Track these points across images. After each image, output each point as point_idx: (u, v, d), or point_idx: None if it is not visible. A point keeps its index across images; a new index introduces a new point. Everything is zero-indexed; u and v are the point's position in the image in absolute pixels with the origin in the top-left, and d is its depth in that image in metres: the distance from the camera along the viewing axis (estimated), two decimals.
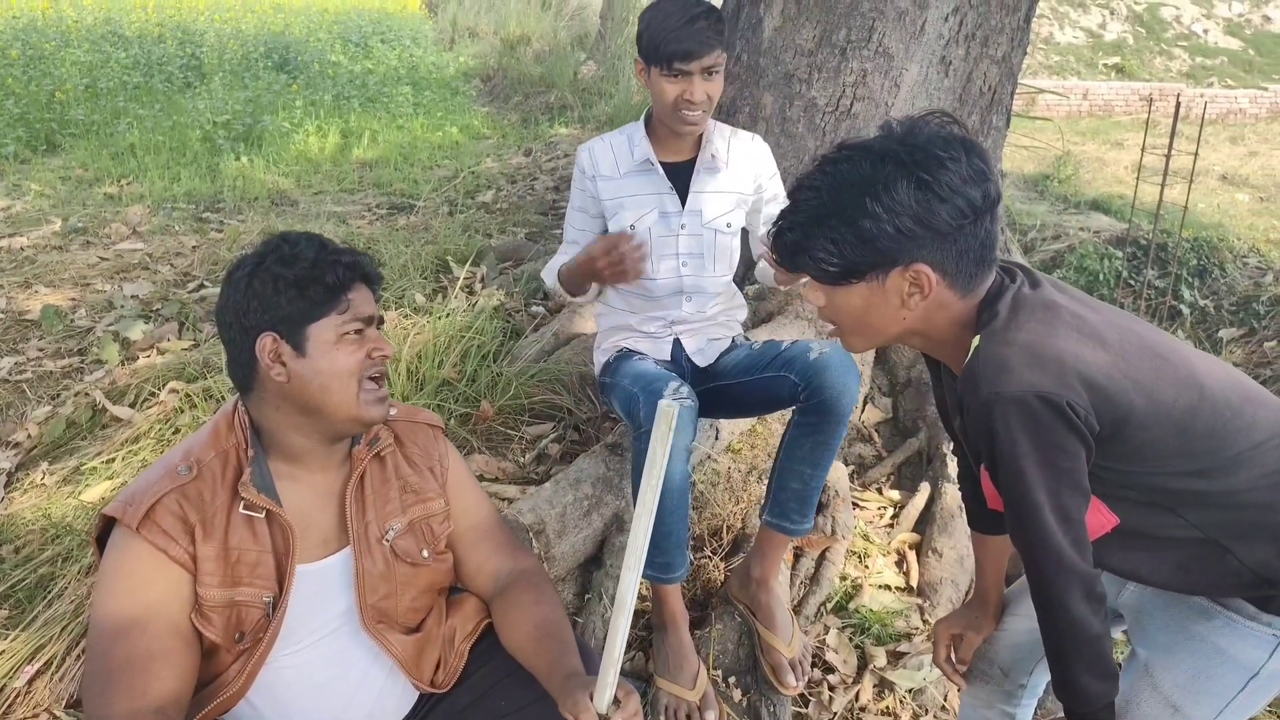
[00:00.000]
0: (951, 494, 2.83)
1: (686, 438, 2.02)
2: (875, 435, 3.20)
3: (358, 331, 1.45)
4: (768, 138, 3.06)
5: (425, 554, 1.58)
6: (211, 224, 5.41)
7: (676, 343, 2.37)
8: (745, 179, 2.33)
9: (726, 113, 3.16)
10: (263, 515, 1.43)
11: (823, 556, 2.63)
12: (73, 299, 3.89)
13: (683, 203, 2.27)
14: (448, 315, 3.17)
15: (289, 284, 1.39)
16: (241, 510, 1.41)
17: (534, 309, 3.51)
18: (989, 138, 3.20)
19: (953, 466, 2.87)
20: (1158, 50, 15.41)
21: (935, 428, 3.06)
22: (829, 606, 2.60)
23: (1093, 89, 13.27)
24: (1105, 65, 14.69)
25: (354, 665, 1.52)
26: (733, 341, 2.43)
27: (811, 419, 2.14)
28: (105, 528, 1.41)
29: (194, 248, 4.62)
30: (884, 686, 2.39)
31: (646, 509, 1.38)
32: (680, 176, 2.27)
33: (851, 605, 2.58)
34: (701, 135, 2.25)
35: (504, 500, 2.51)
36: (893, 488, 3.04)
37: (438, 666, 1.61)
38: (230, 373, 1.47)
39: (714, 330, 2.41)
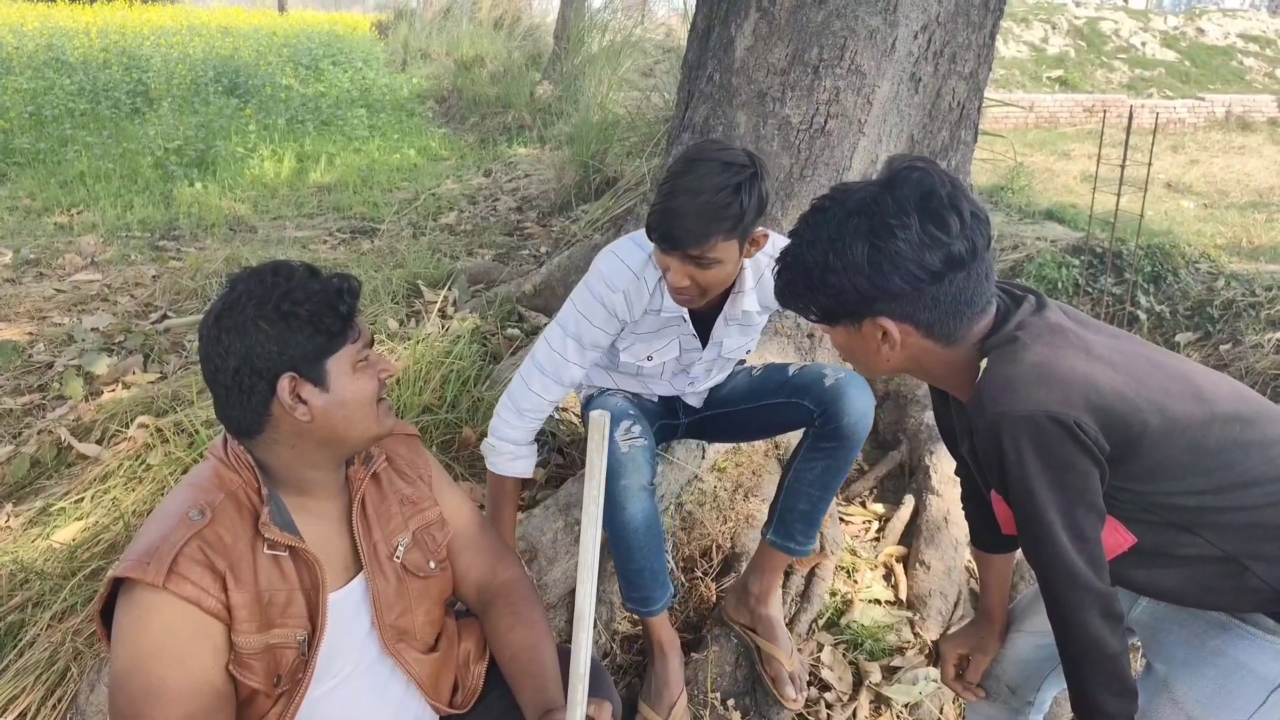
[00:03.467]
0: (936, 505, 2.84)
1: (644, 477, 1.98)
2: None
3: (365, 357, 1.42)
4: None
5: (432, 564, 1.57)
6: (169, 252, 5.30)
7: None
8: (766, 312, 2.14)
9: (699, 132, 3.17)
10: (286, 553, 1.38)
11: (812, 573, 2.62)
12: (30, 333, 3.78)
13: (703, 342, 2.12)
14: (424, 340, 3.12)
15: (303, 321, 1.34)
16: (266, 551, 1.37)
17: (510, 331, 3.48)
18: (958, 153, 3.24)
19: (935, 478, 2.89)
20: (1099, 63, 15.80)
21: (916, 440, 3.08)
22: (820, 623, 2.59)
23: (1038, 101, 13.56)
24: (1049, 78, 15.03)
25: (386, 692, 1.50)
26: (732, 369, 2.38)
27: (827, 444, 2.11)
28: (111, 596, 1.32)
29: (154, 277, 4.52)
30: (880, 702, 2.38)
31: (591, 520, 1.39)
32: (703, 319, 2.08)
33: (843, 621, 2.58)
34: (736, 282, 1.99)
35: None
36: (876, 501, 3.05)
37: (455, 689, 1.60)
38: (229, 419, 1.40)
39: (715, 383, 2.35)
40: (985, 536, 1.73)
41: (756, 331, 2.20)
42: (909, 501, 2.93)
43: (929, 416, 3.04)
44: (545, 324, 3.34)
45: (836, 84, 2.91)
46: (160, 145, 8.00)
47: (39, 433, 2.98)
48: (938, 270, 1.26)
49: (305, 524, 1.42)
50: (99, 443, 2.91)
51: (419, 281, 4.01)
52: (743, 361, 2.43)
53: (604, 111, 7.32)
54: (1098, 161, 5.63)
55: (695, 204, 1.70)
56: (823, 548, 2.66)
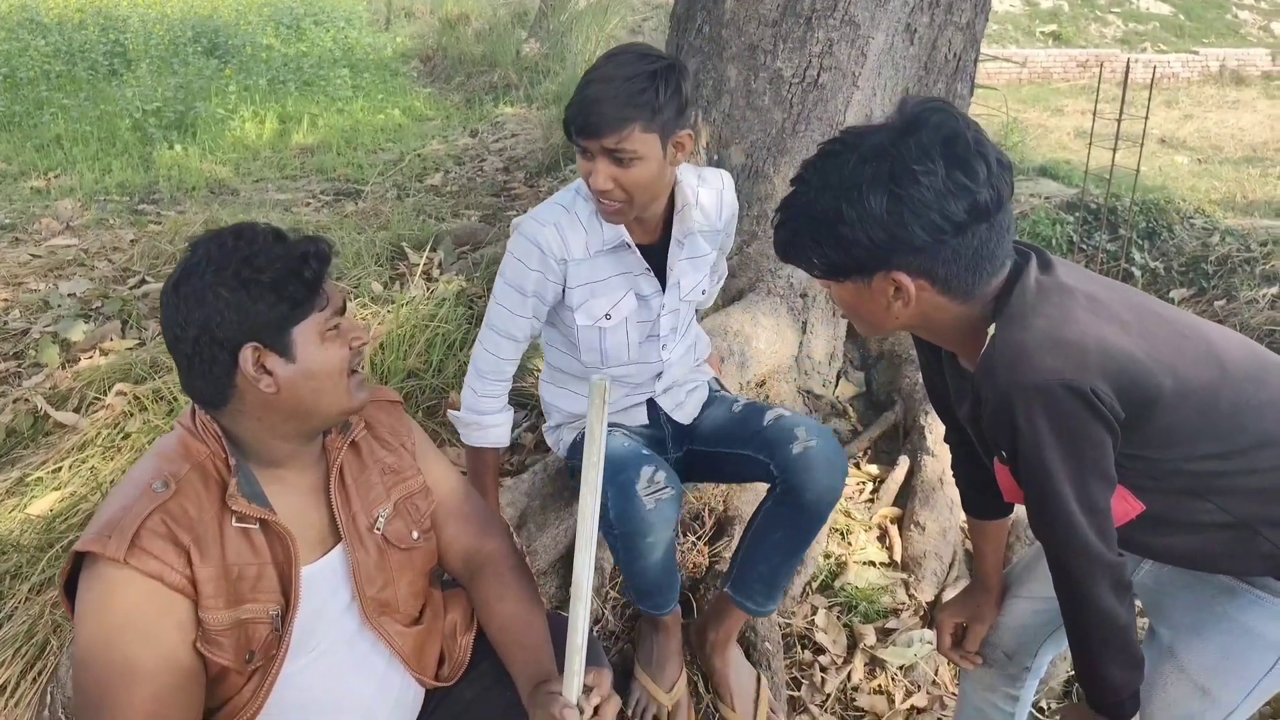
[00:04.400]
0: (931, 466, 2.80)
1: (670, 530, 1.83)
2: (850, 409, 3.16)
3: (335, 325, 1.35)
4: (733, 111, 3.00)
5: (415, 535, 1.53)
6: (149, 216, 5.19)
7: (651, 403, 2.10)
8: (714, 234, 2.04)
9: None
10: (257, 525, 1.33)
11: None
12: (4, 299, 3.69)
13: (662, 283, 1.96)
14: (408, 304, 3.05)
15: (265, 288, 1.27)
16: (234, 524, 1.31)
17: None
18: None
19: (930, 439, 2.85)
20: (1092, 17, 15.62)
21: (910, 400, 3.04)
22: (814, 586, 2.56)
23: (1031, 56, 13.41)
24: (1042, 33, 14.86)
25: (367, 666, 1.46)
26: (710, 390, 2.21)
27: (787, 512, 1.94)
28: (74, 569, 1.27)
29: (132, 241, 4.42)
30: (875, 664, 2.36)
31: (591, 488, 1.35)
32: (654, 253, 1.95)
33: (837, 583, 2.55)
34: (671, 203, 1.89)
35: None
36: (870, 462, 3.01)
37: (441, 661, 1.56)
38: (193, 390, 1.34)
39: (688, 380, 2.17)
40: (978, 502, 1.68)
41: (708, 267, 2.06)
42: (903, 462, 2.89)
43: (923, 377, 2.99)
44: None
45: (830, 35, 2.83)
46: (139, 107, 7.83)
47: (15, 401, 2.91)
48: (962, 221, 1.17)
49: (278, 495, 1.37)
50: (77, 411, 2.85)
51: (403, 244, 3.93)
52: (721, 387, 2.27)
53: None
54: (1094, 117, 5.55)
55: (610, 89, 1.64)
56: None
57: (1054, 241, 5.53)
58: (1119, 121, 4.87)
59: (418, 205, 5.12)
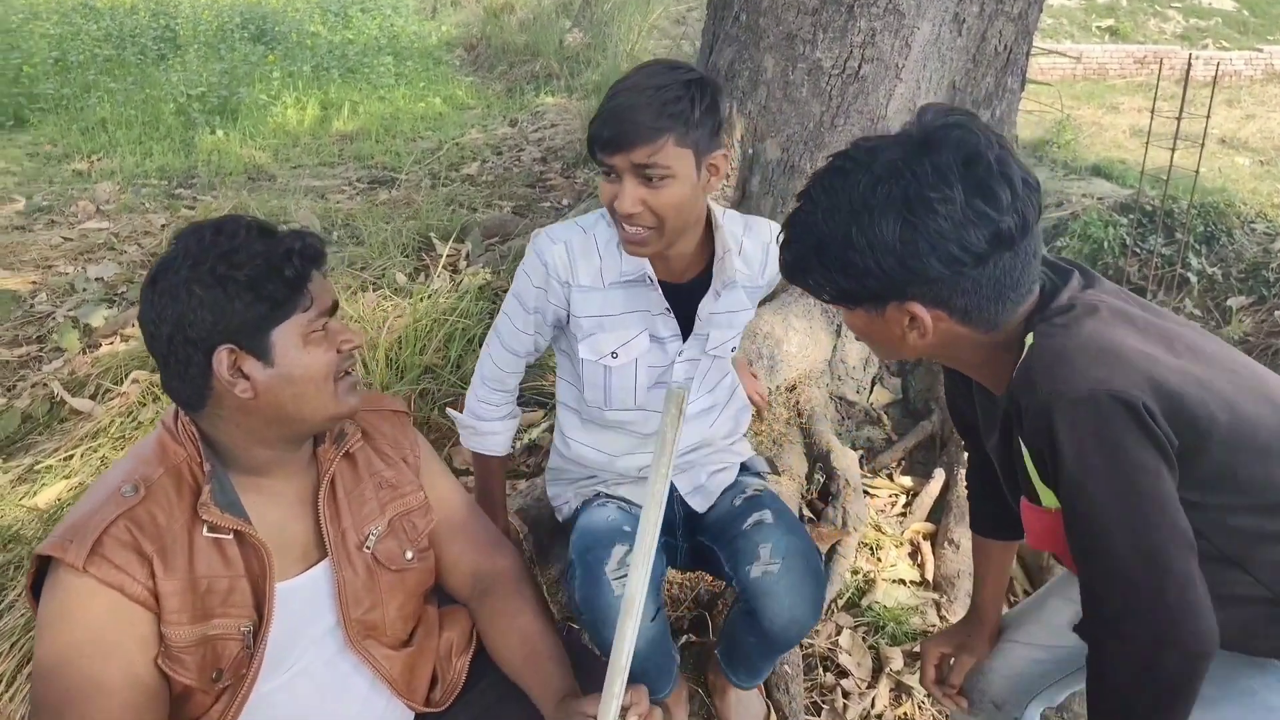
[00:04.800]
0: None
1: (645, 616, 1.61)
2: (884, 418, 3.03)
3: (323, 327, 1.27)
4: (769, 103, 2.88)
5: (409, 555, 1.43)
6: (184, 200, 5.19)
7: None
8: (756, 290, 1.81)
9: (724, 77, 2.96)
10: (231, 536, 1.25)
11: (833, 550, 2.47)
12: (33, 282, 3.68)
13: (684, 328, 1.74)
14: (430, 296, 2.97)
15: (241, 286, 1.19)
16: (205, 534, 1.23)
17: None
18: (1003, 101, 3.01)
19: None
20: (1151, 12, 15.17)
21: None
22: (840, 604, 2.45)
23: (1087, 51, 13.04)
24: (1099, 28, 14.46)
25: (349, 689, 1.38)
26: (739, 472, 1.96)
27: (753, 628, 1.72)
28: (41, 571, 1.21)
29: (163, 226, 4.41)
30: (901, 690, 2.24)
31: (655, 500, 1.28)
32: (681, 294, 1.72)
33: (864, 601, 2.43)
34: (713, 246, 1.70)
35: None
36: (904, 474, 2.88)
37: (433, 683, 1.47)
38: (171, 390, 1.26)
39: (715, 459, 1.91)
40: (987, 519, 1.55)
41: (741, 325, 1.82)
42: (939, 475, 2.75)
43: None
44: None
45: (872, 25, 2.69)
46: (183, 92, 7.88)
47: (33, 386, 2.88)
48: (982, 252, 1.06)
49: (257, 506, 1.29)
50: (93, 398, 2.81)
51: (431, 234, 3.85)
52: (756, 471, 2.01)
53: (632, 60, 7.09)
54: (1151, 115, 5.33)
55: (642, 98, 1.48)
56: (845, 524, 2.50)
57: (1106, 244, 5.33)
58: (1178, 120, 4.66)
59: (451, 195, 5.06)
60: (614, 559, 1.62)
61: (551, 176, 5.78)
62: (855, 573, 2.49)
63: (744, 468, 1.98)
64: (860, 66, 2.74)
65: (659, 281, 1.68)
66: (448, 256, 3.60)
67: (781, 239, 1.20)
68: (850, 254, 1.10)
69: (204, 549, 1.23)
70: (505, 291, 3.31)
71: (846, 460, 2.64)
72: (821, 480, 2.65)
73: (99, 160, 6.33)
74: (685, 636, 2.19)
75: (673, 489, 1.86)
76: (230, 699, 1.25)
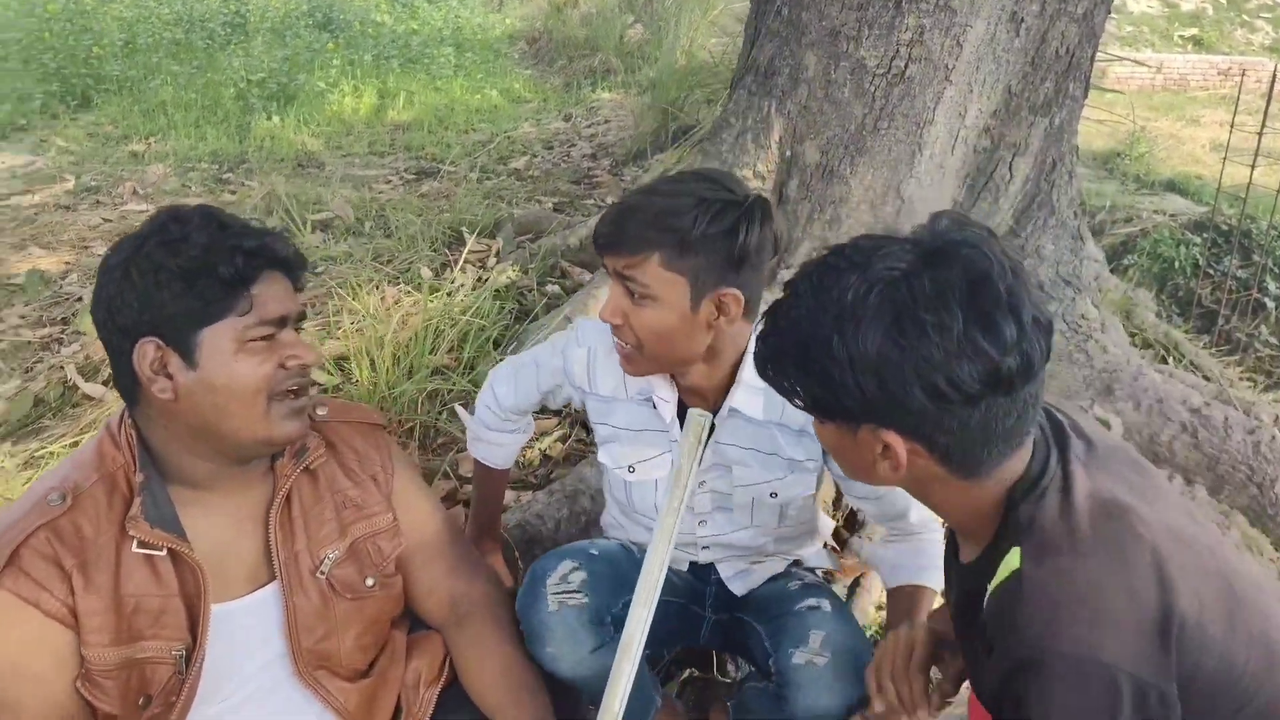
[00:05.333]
0: None
1: (583, 645, 1.46)
2: None
3: (266, 337, 1.16)
4: (810, 103, 2.73)
5: (370, 582, 1.33)
6: (231, 185, 5.19)
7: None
8: (800, 435, 1.52)
9: (764, 74, 2.82)
10: (164, 553, 1.16)
11: (856, 584, 2.31)
12: (67, 263, 3.68)
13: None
14: (449, 293, 2.88)
15: (173, 276, 1.10)
16: (135, 549, 1.14)
17: (549, 287, 3.21)
18: (1064, 109, 2.81)
19: None
20: (1238, 22, 14.56)
21: None
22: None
23: (1168, 61, 12.55)
24: (1181, 37, 13.91)
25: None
26: (792, 566, 1.76)
27: (775, 708, 1.53)
28: None
29: None
30: None
31: (665, 536, 1.21)
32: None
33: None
34: (739, 361, 1.47)
35: None
36: None
37: (396, 714, 1.37)
38: (115, 380, 1.19)
39: (761, 557, 1.72)
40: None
41: (789, 472, 1.54)
42: None
43: None
44: (588, 281, 3.07)
45: (921, 21, 2.53)
46: (243, 77, 7.93)
47: (49, 369, 2.85)
48: (973, 391, 0.93)
49: (198, 521, 1.19)
50: (105, 383, 2.77)
51: (463, 228, 3.77)
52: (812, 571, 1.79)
53: (689, 57, 6.96)
54: (1230, 129, 5.04)
55: (646, 203, 1.32)
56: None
57: (1177, 264, 5.08)
58: (1259, 135, 4.38)
59: (495, 188, 4.98)
60: (558, 573, 1.50)
61: (599, 173, 5.67)
62: (880, 608, 2.34)
63: (798, 560, 1.78)
64: (907, 66, 2.58)
65: (683, 404, 1.51)
66: (478, 253, 3.50)
67: (760, 329, 1.07)
68: (829, 364, 0.97)
69: (133, 566, 1.14)
70: (530, 291, 3.22)
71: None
72: (849, 508, 2.50)
73: (155, 143, 6.39)
74: (689, 671, 2.06)
75: (712, 569, 1.72)
76: None
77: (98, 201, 4.71)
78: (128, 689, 1.13)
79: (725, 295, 1.33)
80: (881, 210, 2.70)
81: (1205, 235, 5.10)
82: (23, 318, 3.23)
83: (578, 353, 1.58)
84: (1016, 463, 1.01)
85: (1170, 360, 3.58)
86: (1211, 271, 4.98)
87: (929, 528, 1.59)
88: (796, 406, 1.06)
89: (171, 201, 4.66)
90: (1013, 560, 0.97)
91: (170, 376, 1.12)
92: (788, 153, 2.81)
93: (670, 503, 1.16)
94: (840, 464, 1.12)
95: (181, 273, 1.10)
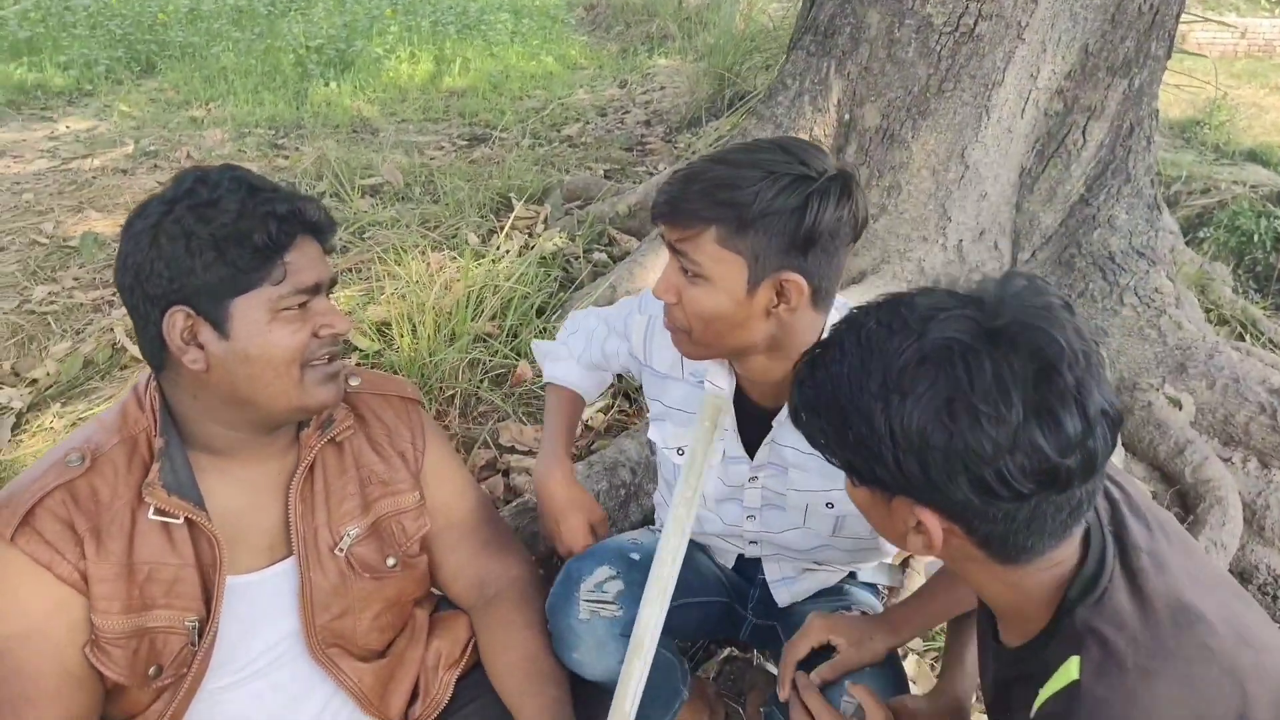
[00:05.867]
0: None
1: (611, 658, 1.34)
2: None
3: (300, 305, 1.11)
4: (871, 64, 2.60)
5: (391, 562, 1.28)
6: (285, 150, 5.20)
7: (746, 557, 1.65)
8: None
9: (824, 33, 2.70)
10: (181, 520, 1.12)
11: (905, 564, 2.23)
12: (121, 226, 3.70)
13: (750, 451, 1.43)
14: (494, 260, 2.83)
15: (205, 244, 1.05)
16: (151, 516, 1.11)
17: (595, 255, 3.14)
18: (1145, 69, 2.64)
19: None
20: None
21: None
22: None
23: (1253, 26, 11.98)
24: (1268, 1, 13.27)
25: (308, 698, 1.24)
26: (844, 579, 1.65)
27: None
28: None
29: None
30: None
31: (679, 526, 1.15)
32: (767, 418, 1.39)
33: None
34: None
35: (528, 475, 2.18)
36: None
37: (414, 697, 1.32)
38: (139, 343, 1.15)
39: (811, 562, 1.61)
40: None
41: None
42: None
43: None
44: (635, 249, 3.00)
45: None
46: (302, 43, 7.97)
47: (100, 331, 2.87)
48: (1025, 491, 0.83)
49: (217, 489, 1.16)
50: None
51: (511, 194, 3.71)
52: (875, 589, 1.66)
53: (749, 21, 6.80)
54: None
55: (708, 171, 1.19)
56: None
57: (1256, 237, 4.85)
58: None
59: (546, 155, 4.92)
60: (594, 579, 1.41)
61: (652, 140, 5.58)
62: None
63: (852, 574, 1.68)
64: (976, 24, 2.44)
65: (747, 398, 1.39)
66: (526, 219, 3.44)
67: (796, 374, 0.97)
68: (867, 434, 0.88)
69: (148, 532, 1.11)
70: (576, 259, 3.15)
71: None
72: None
73: (215, 108, 6.44)
74: (729, 650, 2.00)
75: (759, 568, 1.63)
76: (171, 698, 1.13)
77: (155, 165, 4.75)
78: (137, 658, 1.10)
79: (787, 280, 1.19)
80: (944, 177, 2.57)
81: None
82: (76, 280, 3.26)
83: (638, 320, 1.48)
84: (1066, 550, 0.92)
85: (1247, 338, 3.40)
86: None
87: None
88: (829, 462, 0.97)
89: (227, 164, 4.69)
90: (1070, 670, 0.88)
91: (202, 346, 1.08)
92: (846, 116, 2.69)
93: (681, 491, 1.07)
94: (870, 522, 1.03)
95: (214, 241, 1.05)
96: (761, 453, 1.40)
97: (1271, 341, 3.36)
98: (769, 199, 1.16)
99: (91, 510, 1.08)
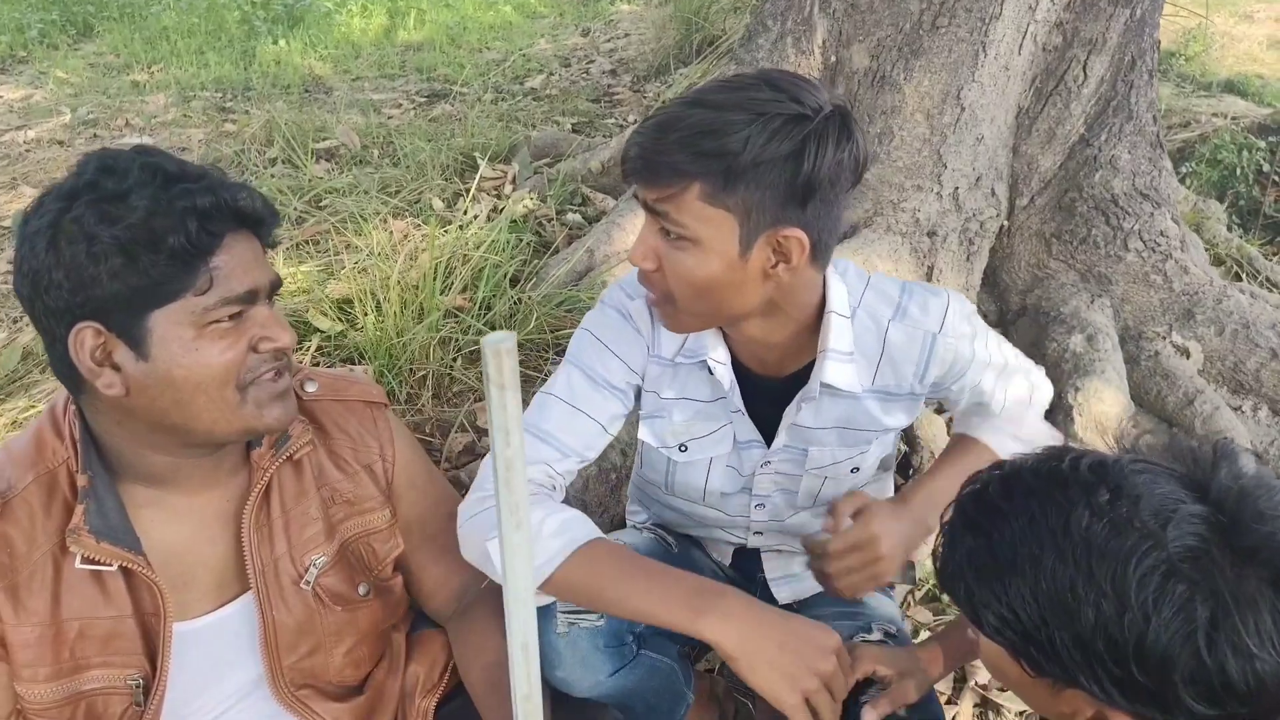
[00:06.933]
0: None
1: (599, 670, 1.22)
2: None
3: (233, 316, 0.94)
4: (858, 0, 2.42)
5: (364, 589, 1.13)
6: (234, 114, 4.94)
7: (745, 552, 1.53)
8: (900, 399, 1.29)
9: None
10: (114, 568, 0.96)
11: (910, 562, 2.11)
12: None
13: (767, 436, 1.30)
14: (461, 226, 2.65)
15: (110, 249, 0.88)
16: (79, 565, 0.95)
17: (569, 216, 2.96)
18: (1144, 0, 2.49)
19: (1080, 421, 2.29)
20: None
21: (1058, 370, 2.48)
22: (916, 597, 2.11)
23: None
24: None
25: None
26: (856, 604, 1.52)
27: None
28: None
29: (200, 142, 4.16)
30: (987, 707, 1.91)
31: (509, 509, 0.87)
32: (775, 392, 1.27)
33: (946, 597, 2.08)
34: (811, 319, 1.20)
35: None
36: None
37: None
38: (50, 364, 0.98)
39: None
40: None
41: (871, 442, 1.32)
42: None
43: (1075, 341, 2.43)
44: (612, 208, 2.82)
45: None
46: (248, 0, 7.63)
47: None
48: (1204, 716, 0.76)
49: (156, 525, 0.99)
50: None
51: (476, 154, 3.51)
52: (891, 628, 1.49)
53: None
54: None
55: (686, 117, 1.03)
56: None
57: (1239, 170, 4.76)
58: None
59: (510, 110, 4.71)
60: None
61: (619, 90, 5.38)
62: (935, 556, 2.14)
63: None
64: None
65: (747, 370, 1.25)
66: (493, 180, 3.26)
67: (947, 523, 0.88)
68: (1071, 640, 0.78)
69: (76, 584, 0.94)
70: (549, 221, 2.98)
71: (933, 429, 2.26)
72: (904, 451, 2.29)
73: (158, 71, 6.14)
74: None
75: (758, 564, 1.52)
76: None
77: (95, 135, 4.49)
78: None
79: (786, 236, 1.05)
80: (938, 120, 2.42)
81: (1270, 139, 4.78)
82: (12, 263, 3.04)
83: (635, 305, 1.26)
84: None
85: (1244, 277, 3.31)
86: (1277, 177, 4.68)
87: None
88: (984, 633, 0.86)
89: (170, 133, 4.43)
90: None
91: (118, 368, 0.91)
92: (833, 58, 2.52)
93: (492, 458, 0.85)
94: (1011, 689, 0.93)
95: (120, 244, 0.88)
96: (780, 437, 1.26)
97: (1269, 280, 3.26)
98: (760, 145, 1.00)
99: (5, 564, 0.92)
